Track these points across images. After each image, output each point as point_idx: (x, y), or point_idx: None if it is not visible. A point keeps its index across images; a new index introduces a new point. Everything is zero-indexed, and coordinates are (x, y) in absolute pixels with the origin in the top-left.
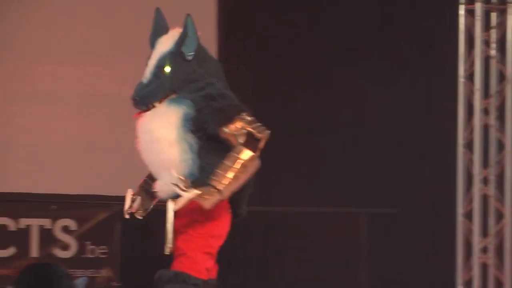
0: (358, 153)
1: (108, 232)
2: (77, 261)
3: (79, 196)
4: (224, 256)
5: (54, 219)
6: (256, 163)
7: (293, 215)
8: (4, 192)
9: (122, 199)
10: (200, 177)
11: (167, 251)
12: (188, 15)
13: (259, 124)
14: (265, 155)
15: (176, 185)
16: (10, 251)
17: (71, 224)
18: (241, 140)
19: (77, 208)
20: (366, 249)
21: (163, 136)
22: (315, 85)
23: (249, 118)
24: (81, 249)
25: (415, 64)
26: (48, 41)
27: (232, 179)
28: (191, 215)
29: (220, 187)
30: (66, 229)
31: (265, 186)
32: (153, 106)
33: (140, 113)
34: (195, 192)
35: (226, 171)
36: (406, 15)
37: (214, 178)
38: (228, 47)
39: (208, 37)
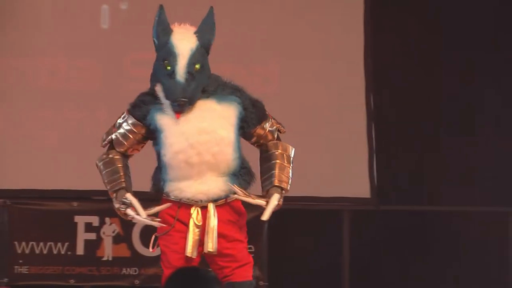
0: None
1: (255, 232)
2: None
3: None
4: (375, 254)
5: None
6: (293, 154)
7: (445, 214)
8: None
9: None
10: (239, 174)
11: (212, 251)
12: (211, 7)
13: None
14: (420, 156)
15: (244, 195)
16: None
17: None
18: (275, 136)
19: None
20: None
21: (225, 136)
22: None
23: (267, 113)
24: None
25: None
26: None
27: (289, 176)
28: (239, 221)
29: (286, 186)
30: None
31: (419, 186)
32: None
33: (179, 114)
34: (277, 196)
35: (283, 170)
36: None
37: (277, 179)
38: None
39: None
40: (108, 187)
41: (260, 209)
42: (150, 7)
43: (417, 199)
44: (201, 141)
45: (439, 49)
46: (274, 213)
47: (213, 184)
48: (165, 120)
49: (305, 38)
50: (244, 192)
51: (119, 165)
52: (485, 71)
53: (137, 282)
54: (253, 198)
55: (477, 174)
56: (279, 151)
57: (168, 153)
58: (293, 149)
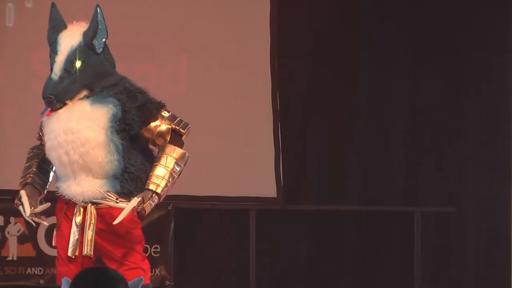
0: None
1: (161, 231)
2: None
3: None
4: (281, 254)
5: None
6: (187, 158)
7: (352, 213)
8: None
9: (176, 198)
10: (123, 178)
11: (88, 254)
12: (98, 5)
13: (179, 119)
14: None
15: (108, 200)
16: None
17: None
18: (167, 138)
19: None
20: None
21: (91, 137)
22: None
23: (168, 114)
24: None
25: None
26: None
27: (168, 179)
28: (127, 225)
29: (159, 190)
30: None
31: None
32: (65, 104)
33: (52, 111)
34: (136, 199)
35: (161, 172)
36: None
37: (151, 181)
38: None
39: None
40: (19, 182)
41: (165, 209)
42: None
43: (324, 199)
44: (67, 140)
45: (347, 47)
46: (181, 213)
47: (87, 186)
48: (44, 117)
49: (212, 38)
50: (111, 196)
51: (36, 160)
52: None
53: (42, 282)
54: (116, 202)
55: (387, 173)
56: (163, 153)
57: (46, 151)
58: (184, 152)
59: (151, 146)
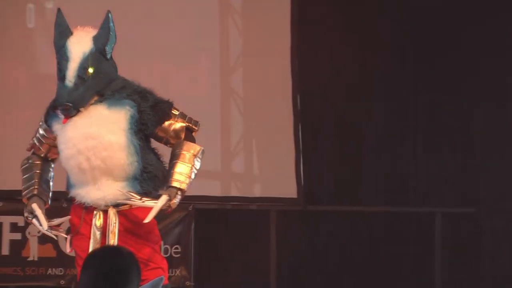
0: None
1: (182, 232)
2: None
3: None
4: (301, 254)
5: None
6: (203, 153)
7: (370, 215)
8: None
9: (197, 198)
10: (142, 178)
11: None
12: (109, 11)
13: (188, 116)
14: None
15: (133, 200)
16: None
17: None
18: (182, 135)
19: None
20: None
21: (114, 141)
22: None
23: (178, 112)
24: None
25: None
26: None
27: (189, 176)
28: (146, 226)
29: (183, 186)
30: None
31: None
32: (79, 111)
33: (67, 118)
34: (165, 197)
35: (183, 169)
36: None
37: (174, 178)
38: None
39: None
40: (23, 194)
41: (186, 210)
42: None
43: (344, 200)
44: (88, 146)
45: (367, 47)
46: (202, 213)
47: (108, 190)
48: (58, 125)
49: (233, 39)
50: (134, 195)
51: (36, 171)
52: (409, 76)
53: (62, 282)
54: (142, 201)
55: (403, 176)
56: (181, 150)
57: (61, 159)
58: (202, 148)
59: (153, 145)
